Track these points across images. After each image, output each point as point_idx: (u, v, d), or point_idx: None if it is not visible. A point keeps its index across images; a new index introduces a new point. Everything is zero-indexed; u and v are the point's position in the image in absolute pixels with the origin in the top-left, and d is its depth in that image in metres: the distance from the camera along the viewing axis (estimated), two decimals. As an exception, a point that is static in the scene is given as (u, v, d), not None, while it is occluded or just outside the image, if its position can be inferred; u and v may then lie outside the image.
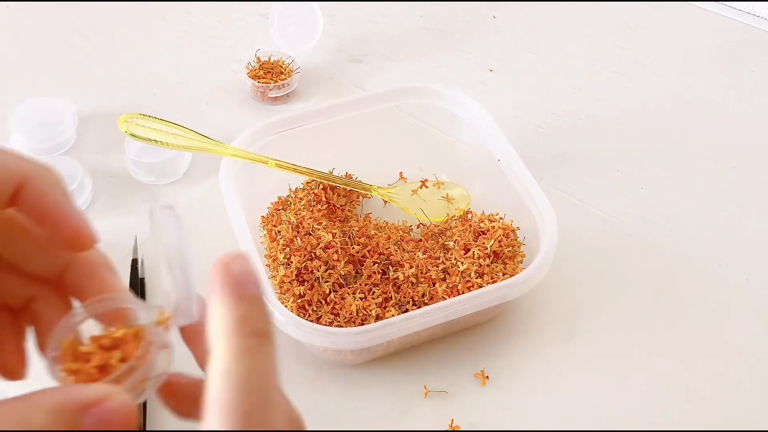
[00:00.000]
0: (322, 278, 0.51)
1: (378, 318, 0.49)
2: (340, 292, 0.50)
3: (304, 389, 0.50)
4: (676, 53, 0.79)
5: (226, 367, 0.22)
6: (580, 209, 0.62)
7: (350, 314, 0.49)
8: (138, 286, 0.55)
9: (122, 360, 0.26)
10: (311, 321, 0.48)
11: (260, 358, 0.22)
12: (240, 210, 0.51)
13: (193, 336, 0.27)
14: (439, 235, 0.56)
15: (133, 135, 0.54)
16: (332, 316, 0.49)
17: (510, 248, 0.53)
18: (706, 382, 0.51)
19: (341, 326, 0.49)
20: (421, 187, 0.60)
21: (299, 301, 0.50)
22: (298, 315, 0.49)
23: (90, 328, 0.28)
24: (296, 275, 0.51)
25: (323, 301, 0.50)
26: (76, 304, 0.29)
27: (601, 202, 0.63)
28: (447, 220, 0.58)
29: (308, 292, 0.50)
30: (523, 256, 0.54)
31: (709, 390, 0.51)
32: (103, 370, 0.26)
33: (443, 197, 0.60)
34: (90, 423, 0.23)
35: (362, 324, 0.49)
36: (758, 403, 0.50)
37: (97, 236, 0.28)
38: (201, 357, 0.26)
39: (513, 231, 0.54)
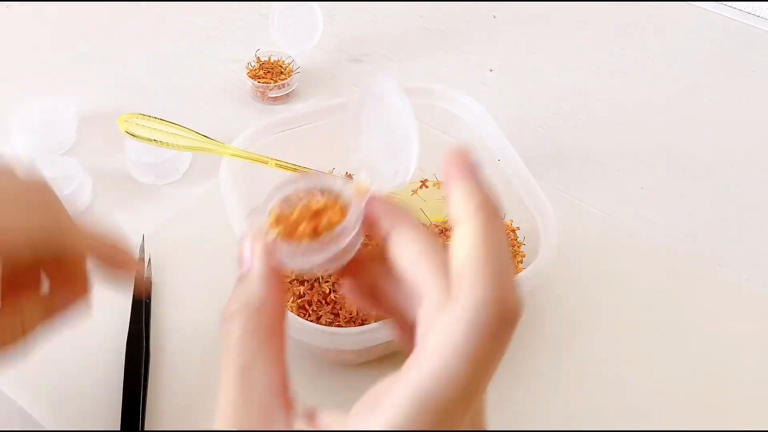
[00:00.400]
0: (323, 278, 0.51)
1: (378, 318, 0.49)
2: (340, 292, 0.50)
3: (304, 389, 0.50)
4: (676, 53, 0.79)
5: (478, 239, 0.24)
6: (580, 209, 0.62)
7: (350, 314, 0.49)
8: (144, 285, 0.55)
9: (328, 227, 0.28)
10: (311, 321, 0.48)
11: (502, 233, 0.25)
12: (240, 210, 0.51)
13: (386, 210, 0.28)
14: (439, 235, 0.56)
15: (132, 135, 0.54)
16: (332, 316, 0.49)
17: (510, 248, 0.53)
18: (707, 382, 0.51)
19: (341, 326, 0.49)
20: (421, 187, 0.60)
21: (299, 301, 0.50)
22: (298, 315, 0.49)
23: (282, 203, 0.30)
24: (296, 275, 0.51)
25: (323, 301, 0.50)
26: (285, 176, 0.31)
27: (601, 202, 0.63)
28: (447, 220, 0.58)
29: (308, 292, 0.50)
30: (523, 256, 0.54)
31: (709, 390, 0.51)
32: (312, 235, 0.28)
33: (443, 197, 0.60)
34: None
35: (362, 324, 0.49)
36: (758, 403, 0.50)
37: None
38: (380, 225, 0.28)
39: (513, 231, 0.54)
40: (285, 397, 0.25)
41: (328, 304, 0.50)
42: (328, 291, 0.50)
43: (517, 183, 0.54)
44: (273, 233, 0.28)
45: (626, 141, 0.69)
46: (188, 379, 0.51)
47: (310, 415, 0.25)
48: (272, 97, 0.72)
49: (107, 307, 0.55)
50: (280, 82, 0.71)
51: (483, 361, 0.23)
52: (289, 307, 0.49)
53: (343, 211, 0.29)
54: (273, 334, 0.27)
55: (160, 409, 0.49)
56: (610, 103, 0.73)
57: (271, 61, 0.73)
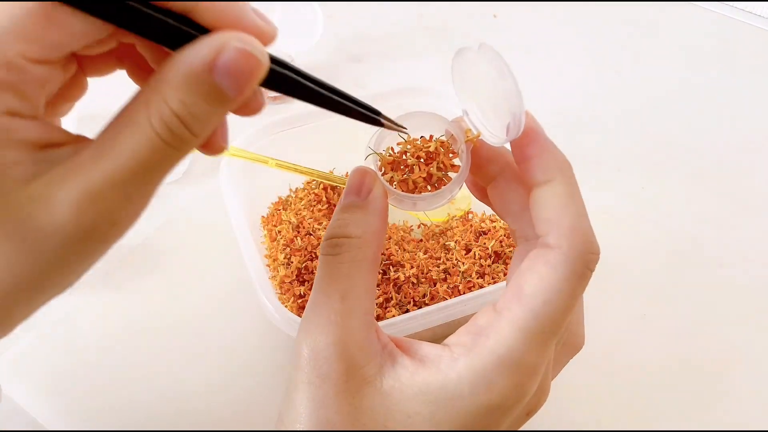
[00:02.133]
0: (323, 278, 0.50)
1: (379, 318, 0.49)
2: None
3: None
4: (676, 53, 0.79)
5: (566, 197, 0.28)
6: (580, 209, 0.62)
7: (351, 314, 0.49)
8: None
9: (439, 170, 0.30)
10: (312, 321, 0.48)
11: (580, 191, 0.29)
12: (240, 210, 0.51)
13: (493, 157, 0.31)
14: (440, 235, 0.56)
15: (132, 135, 0.54)
16: (333, 317, 0.49)
17: (511, 248, 0.53)
18: (706, 382, 0.51)
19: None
20: (421, 187, 0.60)
21: (299, 301, 0.50)
22: (299, 315, 0.49)
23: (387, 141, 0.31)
24: (296, 275, 0.51)
25: (323, 302, 0.50)
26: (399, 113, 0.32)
27: (602, 202, 0.63)
28: (448, 221, 0.58)
29: (308, 292, 0.50)
30: (524, 256, 0.53)
31: (709, 390, 0.51)
32: (425, 180, 0.30)
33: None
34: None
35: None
36: (758, 403, 0.50)
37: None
38: (486, 170, 0.31)
39: (513, 230, 0.53)
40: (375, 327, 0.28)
41: (328, 304, 0.50)
42: (328, 291, 0.50)
43: (517, 183, 0.54)
44: (389, 175, 0.30)
45: (626, 141, 0.69)
46: (189, 378, 0.51)
47: (406, 348, 0.28)
48: (272, 97, 0.71)
49: (107, 308, 0.55)
50: (280, 82, 0.71)
51: (573, 297, 0.27)
52: (289, 307, 0.49)
53: (453, 152, 0.31)
54: (375, 266, 0.29)
55: (160, 408, 0.49)
56: (610, 102, 0.73)
57: (271, 60, 0.73)
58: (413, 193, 0.30)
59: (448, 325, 0.49)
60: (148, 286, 0.56)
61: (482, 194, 0.33)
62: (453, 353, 0.27)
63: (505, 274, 0.52)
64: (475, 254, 0.52)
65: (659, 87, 0.75)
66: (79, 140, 0.25)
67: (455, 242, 0.53)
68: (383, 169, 0.30)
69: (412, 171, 0.30)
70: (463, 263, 0.51)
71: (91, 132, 0.27)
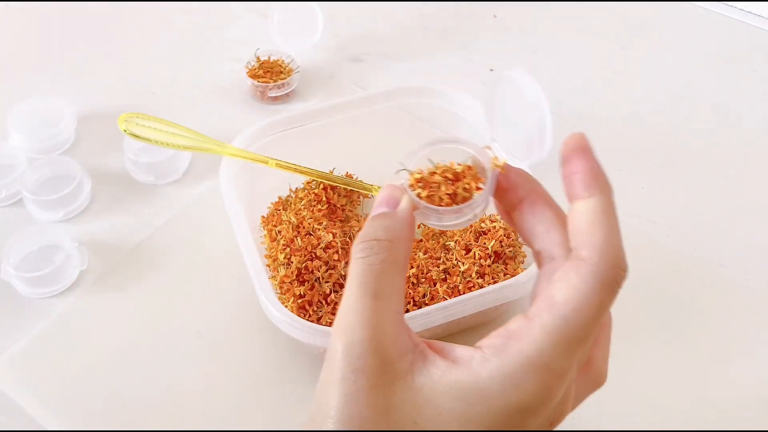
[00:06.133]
0: (323, 278, 0.50)
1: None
2: (340, 293, 0.50)
3: (304, 389, 0.50)
4: (676, 53, 0.79)
5: (602, 214, 0.29)
6: (580, 209, 0.62)
7: (351, 314, 0.49)
8: None
9: (464, 192, 0.32)
10: (311, 321, 0.48)
11: (615, 208, 0.30)
12: (240, 210, 0.51)
13: (520, 180, 0.33)
14: (439, 235, 0.56)
15: (132, 135, 0.54)
16: (332, 317, 0.49)
17: (511, 248, 0.53)
18: (706, 382, 0.51)
19: (342, 326, 0.48)
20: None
21: (299, 301, 0.50)
22: (299, 315, 0.49)
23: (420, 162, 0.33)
24: (297, 275, 0.51)
25: (323, 302, 0.50)
26: (431, 136, 0.34)
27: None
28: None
29: (309, 292, 0.50)
30: (524, 256, 0.53)
31: (709, 390, 0.51)
32: (450, 199, 0.32)
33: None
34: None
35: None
36: (758, 403, 0.50)
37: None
38: (513, 194, 0.33)
39: (514, 231, 0.53)
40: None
41: (328, 304, 0.50)
42: (328, 291, 0.50)
43: (517, 183, 0.54)
44: (416, 191, 0.32)
45: (626, 141, 0.69)
46: (189, 378, 0.51)
47: (438, 349, 0.29)
48: (272, 97, 0.71)
49: (107, 307, 0.55)
50: (279, 82, 0.71)
51: (601, 308, 0.28)
52: (289, 307, 0.49)
53: (478, 178, 0.32)
54: (404, 269, 0.30)
55: (160, 407, 0.49)
56: (610, 103, 0.73)
57: (271, 60, 0.73)
58: None
59: (448, 325, 0.49)
60: (148, 286, 0.56)
61: (508, 218, 0.34)
62: (484, 354, 0.28)
63: (505, 274, 0.52)
64: (474, 254, 0.52)
65: (659, 87, 0.75)
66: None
67: (455, 242, 0.53)
68: (412, 186, 0.32)
69: (439, 189, 0.32)
70: (463, 263, 0.51)
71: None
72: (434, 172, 0.33)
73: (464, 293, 0.49)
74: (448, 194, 0.32)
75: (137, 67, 0.76)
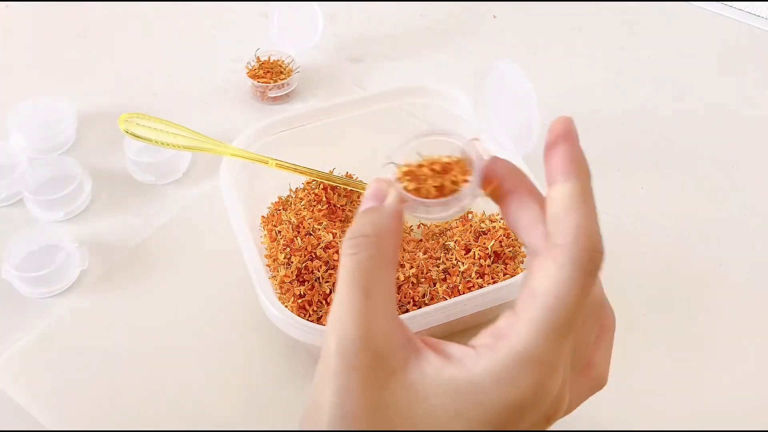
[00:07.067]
0: (323, 278, 0.50)
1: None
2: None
3: (303, 389, 0.50)
4: (676, 53, 0.79)
5: (579, 200, 0.30)
6: (580, 209, 0.62)
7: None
8: None
9: (451, 185, 0.32)
10: (311, 321, 0.48)
11: (593, 195, 0.31)
12: (240, 210, 0.51)
13: (507, 173, 0.32)
14: (439, 235, 0.56)
15: (132, 135, 0.54)
16: (332, 316, 0.49)
17: (511, 248, 0.53)
18: (706, 382, 0.51)
19: (341, 326, 0.48)
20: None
21: (299, 301, 0.50)
22: (299, 315, 0.49)
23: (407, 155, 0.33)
24: (297, 275, 0.51)
25: (324, 302, 0.50)
26: (418, 129, 0.34)
27: (602, 203, 0.62)
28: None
29: (309, 292, 0.50)
30: (524, 256, 0.53)
31: (709, 390, 0.51)
32: (437, 191, 0.31)
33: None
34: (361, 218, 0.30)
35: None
36: (758, 403, 0.50)
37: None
38: (499, 186, 0.32)
39: (513, 231, 0.53)
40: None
41: (328, 304, 0.50)
42: (328, 291, 0.50)
43: (517, 183, 0.54)
44: (403, 184, 0.32)
45: (626, 141, 0.69)
46: (189, 378, 0.51)
47: (432, 345, 0.29)
48: (272, 97, 0.72)
49: (107, 307, 0.55)
50: (279, 82, 0.71)
51: (582, 292, 0.28)
52: (289, 307, 0.49)
53: (466, 170, 0.32)
54: (394, 263, 0.30)
55: (160, 407, 0.49)
56: (610, 103, 0.73)
57: (271, 60, 0.73)
58: None
59: (448, 325, 0.49)
60: (148, 286, 0.56)
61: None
62: (477, 351, 0.28)
63: (504, 274, 0.52)
64: (474, 254, 0.52)
65: (659, 87, 0.75)
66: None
67: (455, 242, 0.53)
68: (399, 179, 0.32)
69: (426, 181, 0.32)
70: (463, 263, 0.51)
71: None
72: (422, 165, 0.32)
73: (464, 293, 0.49)
74: (435, 186, 0.32)
75: (137, 67, 0.76)
